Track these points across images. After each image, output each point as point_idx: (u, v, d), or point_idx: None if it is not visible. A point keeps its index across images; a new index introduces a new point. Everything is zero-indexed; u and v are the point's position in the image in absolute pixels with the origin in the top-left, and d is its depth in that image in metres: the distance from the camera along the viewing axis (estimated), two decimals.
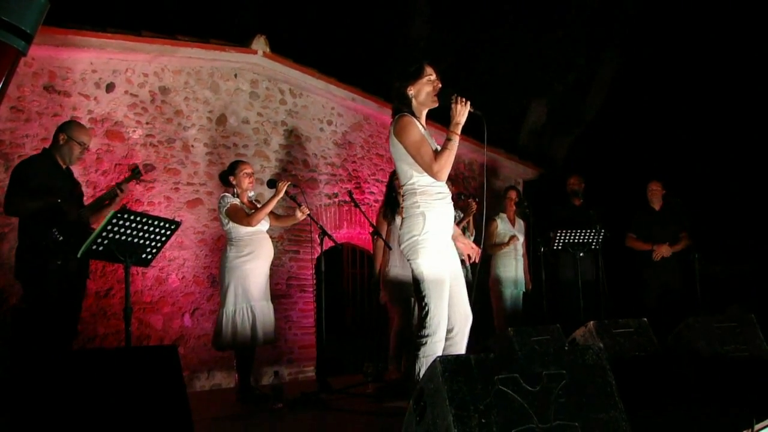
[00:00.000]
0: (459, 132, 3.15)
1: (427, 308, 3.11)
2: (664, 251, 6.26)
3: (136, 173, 4.23)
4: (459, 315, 3.23)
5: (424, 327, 3.10)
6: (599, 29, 9.27)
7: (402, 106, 3.26)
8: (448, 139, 3.12)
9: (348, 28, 9.15)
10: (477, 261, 3.59)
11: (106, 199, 4.13)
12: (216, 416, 4.12)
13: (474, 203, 5.64)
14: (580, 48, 9.16)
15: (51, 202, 3.83)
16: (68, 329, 3.98)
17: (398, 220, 5.19)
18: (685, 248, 6.33)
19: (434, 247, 3.16)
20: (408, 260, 3.23)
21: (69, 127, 4.10)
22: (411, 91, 3.25)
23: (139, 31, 5.11)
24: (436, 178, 3.15)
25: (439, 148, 3.18)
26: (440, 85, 3.27)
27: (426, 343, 3.08)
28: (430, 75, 3.25)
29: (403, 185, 3.25)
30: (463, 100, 3.15)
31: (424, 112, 3.33)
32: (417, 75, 3.25)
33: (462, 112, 3.15)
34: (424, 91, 3.24)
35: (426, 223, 3.13)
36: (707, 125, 9.50)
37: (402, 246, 3.25)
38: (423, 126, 3.27)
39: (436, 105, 3.28)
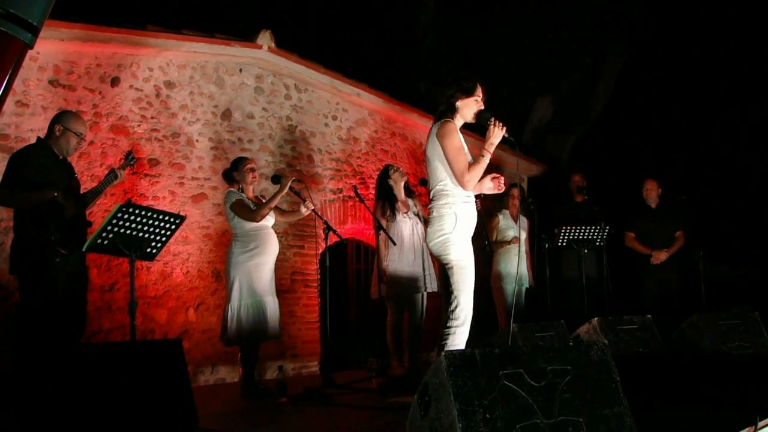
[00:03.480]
0: (492, 151, 3.44)
1: (456, 301, 3.34)
2: (662, 257, 6.28)
3: (129, 159, 4.14)
4: None
5: (453, 318, 3.32)
6: (605, 28, 9.24)
7: (447, 112, 3.54)
8: (481, 156, 3.43)
9: (353, 24, 9.14)
10: (504, 184, 3.70)
11: (103, 185, 4.03)
12: (220, 411, 4.12)
13: (479, 201, 5.65)
14: (585, 47, 9.13)
15: (48, 196, 3.72)
16: (75, 323, 3.93)
17: (398, 216, 5.20)
18: (681, 248, 6.34)
19: (464, 243, 3.42)
20: (438, 257, 3.46)
21: (64, 117, 3.97)
22: (459, 103, 3.53)
23: (144, 26, 5.11)
24: (463, 187, 3.42)
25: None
26: (483, 107, 3.54)
27: (454, 333, 3.30)
28: (479, 96, 3.53)
29: (434, 186, 3.50)
30: (500, 124, 3.44)
31: (461, 124, 3.59)
32: (469, 92, 3.53)
33: (497, 134, 3.44)
34: (469, 107, 3.53)
35: (458, 222, 3.39)
36: (713, 125, 9.47)
37: (432, 243, 3.45)
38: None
39: (473, 122, 3.58)
